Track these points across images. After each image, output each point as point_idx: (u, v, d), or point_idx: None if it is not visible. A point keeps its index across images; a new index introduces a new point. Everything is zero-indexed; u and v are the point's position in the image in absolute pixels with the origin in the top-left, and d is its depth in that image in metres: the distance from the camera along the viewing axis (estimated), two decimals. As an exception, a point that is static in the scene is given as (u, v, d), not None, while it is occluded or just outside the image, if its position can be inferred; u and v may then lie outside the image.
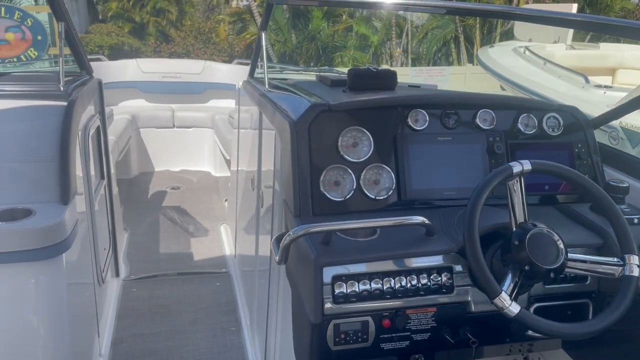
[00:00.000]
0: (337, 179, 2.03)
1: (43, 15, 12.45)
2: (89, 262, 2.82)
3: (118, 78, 6.35)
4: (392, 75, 2.41)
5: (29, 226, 2.05)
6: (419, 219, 1.74)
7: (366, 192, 2.03)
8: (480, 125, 2.18)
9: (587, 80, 5.76)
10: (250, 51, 17.98)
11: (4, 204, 2.17)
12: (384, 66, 17.01)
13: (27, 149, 2.30)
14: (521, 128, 2.21)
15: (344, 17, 18.53)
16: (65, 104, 2.48)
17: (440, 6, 3.05)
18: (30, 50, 11.24)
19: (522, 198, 1.68)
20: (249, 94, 3.28)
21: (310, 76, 3.75)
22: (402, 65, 19.11)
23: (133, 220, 4.79)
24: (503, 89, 13.39)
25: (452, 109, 2.19)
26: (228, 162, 5.82)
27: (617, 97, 5.07)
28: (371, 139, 2.07)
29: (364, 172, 2.03)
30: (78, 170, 2.55)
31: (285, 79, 3.44)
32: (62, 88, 2.63)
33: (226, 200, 5.40)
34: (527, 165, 1.67)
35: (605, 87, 5.56)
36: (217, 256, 4.26)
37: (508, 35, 19.34)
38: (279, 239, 1.95)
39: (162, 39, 20.68)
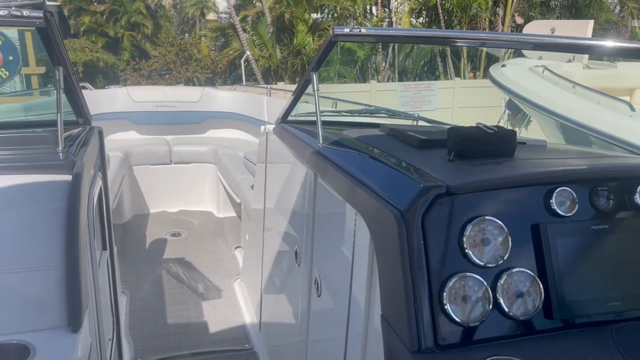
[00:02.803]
0: (466, 293, 1.44)
1: (12, 32, 11.64)
2: None
3: (106, 109, 5.66)
4: (511, 137, 1.82)
5: None
6: None
7: (505, 309, 1.46)
8: None
9: (632, 108, 5.28)
10: (234, 68, 17.33)
11: None
12: (372, 81, 16.49)
13: (22, 253, 1.65)
14: None
15: (329, 30, 18.02)
16: (68, 178, 1.83)
17: (513, 40, 2.49)
18: (1, 71, 10.45)
19: None
20: (288, 144, 2.66)
21: (356, 117, 3.15)
22: (388, 80, 18.71)
23: (132, 280, 4.11)
24: (512, 105, 12.95)
25: (603, 184, 1.62)
26: (236, 204, 5.17)
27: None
28: (507, 233, 1.49)
29: (501, 280, 1.46)
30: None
31: (334, 122, 2.85)
32: (61, 155, 1.98)
33: (237, 248, 4.75)
34: None
35: (656, 116, 5.09)
36: (237, 326, 3.60)
37: (493, 49, 19.07)
38: None
39: (138, 53, 20.00)
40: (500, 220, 1.49)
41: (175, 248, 4.70)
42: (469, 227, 1.46)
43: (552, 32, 8.02)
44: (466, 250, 1.45)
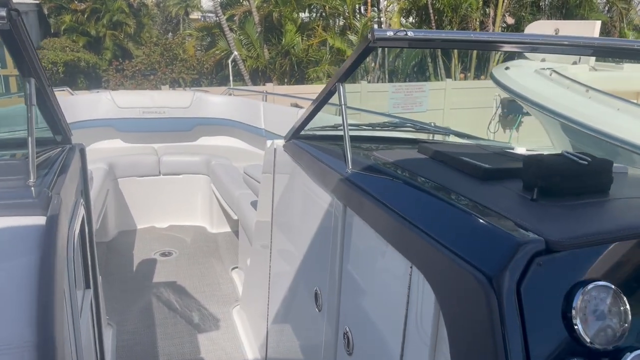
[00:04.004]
0: None
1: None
2: None
3: (88, 115, 5.22)
4: (608, 169, 1.45)
5: None
6: None
7: None
8: None
9: (657, 115, 4.98)
10: (220, 68, 16.85)
11: None
12: (362, 82, 16.14)
13: None
14: None
15: (318, 30, 17.63)
16: (42, 221, 1.43)
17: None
18: (-26, 73, 9.89)
19: None
20: (306, 166, 2.27)
21: (378, 131, 2.76)
22: (378, 81, 18.35)
23: (118, 309, 3.68)
24: (514, 107, 12.61)
25: None
26: (231, 220, 4.76)
27: None
28: (625, 302, 1.14)
29: None
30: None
31: (353, 137, 2.46)
32: (33, 190, 1.57)
33: (233, 269, 4.34)
34: None
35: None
36: (238, 364, 3.21)
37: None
38: None
39: (120, 53, 19.45)
40: (616, 286, 1.13)
41: (165, 270, 4.28)
42: (579, 297, 1.10)
43: (556, 33, 7.72)
44: (576, 327, 1.09)
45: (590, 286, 1.11)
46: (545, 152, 2.28)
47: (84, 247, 2.33)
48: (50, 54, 16.79)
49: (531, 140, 14.94)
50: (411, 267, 1.40)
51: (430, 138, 2.89)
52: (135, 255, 4.50)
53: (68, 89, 5.80)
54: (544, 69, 6.82)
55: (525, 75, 6.89)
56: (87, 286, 2.38)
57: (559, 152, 1.48)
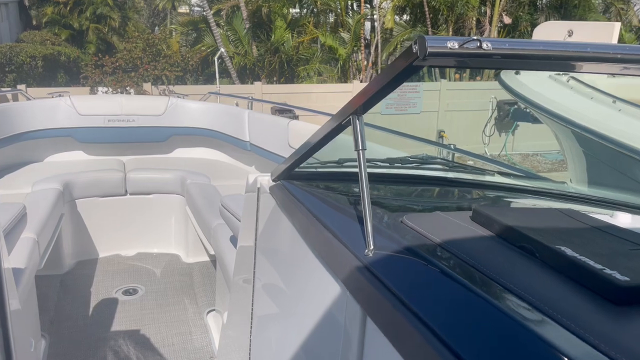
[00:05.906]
0: None
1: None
2: None
3: (44, 124, 4.49)
4: None
5: None
6: None
7: None
8: None
9: None
10: (206, 65, 16.08)
11: None
12: (354, 81, 15.45)
13: None
14: None
15: (309, 27, 16.91)
16: None
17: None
18: None
19: None
20: (303, 231, 1.57)
21: (397, 169, 2.07)
22: (371, 80, 17.68)
23: (64, 371, 2.98)
24: (520, 114, 12.00)
25: None
26: (211, 255, 4.07)
27: None
28: None
29: None
30: None
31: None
32: None
33: (210, 312, 3.65)
34: None
35: None
36: None
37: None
38: None
39: (104, 47, 18.66)
40: None
41: (128, 314, 3.57)
42: None
43: (570, 35, 7.09)
44: None
45: None
46: None
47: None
48: (29, 48, 15.94)
49: (527, 145, 14.42)
50: None
51: (462, 170, 2.22)
52: (93, 294, 3.79)
53: (23, 91, 5.06)
54: (558, 74, 6.17)
55: (540, 81, 6.24)
56: None
57: None
